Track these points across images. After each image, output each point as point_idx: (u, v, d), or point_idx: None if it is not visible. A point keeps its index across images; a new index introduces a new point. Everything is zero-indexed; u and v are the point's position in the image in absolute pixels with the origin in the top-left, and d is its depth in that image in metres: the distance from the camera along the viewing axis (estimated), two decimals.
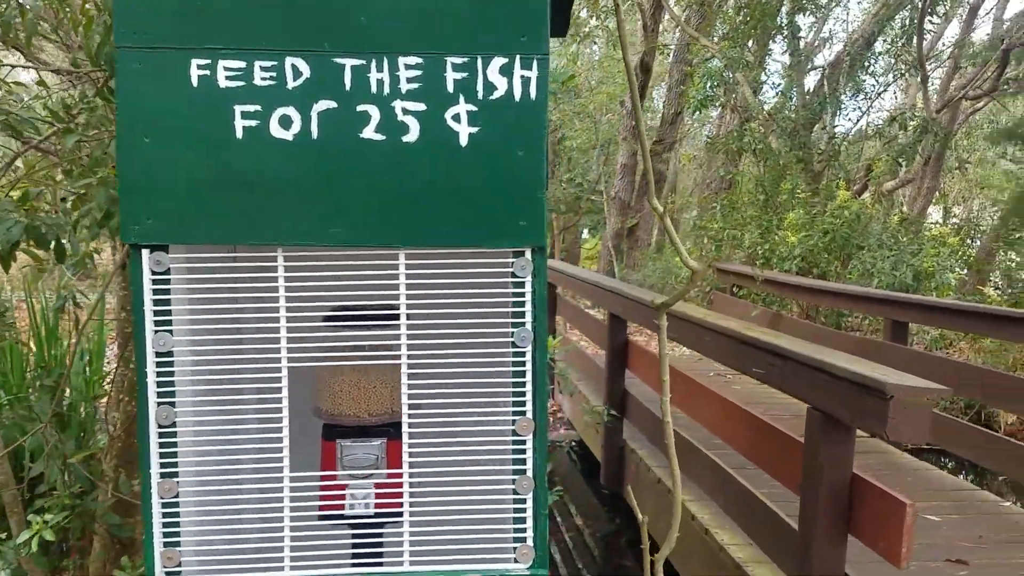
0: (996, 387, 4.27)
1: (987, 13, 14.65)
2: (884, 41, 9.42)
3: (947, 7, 9.28)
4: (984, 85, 11.61)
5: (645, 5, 12.30)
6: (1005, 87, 12.78)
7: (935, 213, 22.36)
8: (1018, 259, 7.77)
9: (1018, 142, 13.84)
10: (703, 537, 3.82)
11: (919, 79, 12.07)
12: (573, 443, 6.90)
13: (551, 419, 7.32)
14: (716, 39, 9.14)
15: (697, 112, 8.49)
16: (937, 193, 22.76)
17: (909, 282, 6.14)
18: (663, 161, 16.28)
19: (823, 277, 6.78)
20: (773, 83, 8.51)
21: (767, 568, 3.30)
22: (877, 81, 8.58)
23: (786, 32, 8.05)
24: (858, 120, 8.54)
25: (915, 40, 7.86)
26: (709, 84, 7.79)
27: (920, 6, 7.51)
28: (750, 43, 9.26)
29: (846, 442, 2.55)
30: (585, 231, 19.72)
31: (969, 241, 12.42)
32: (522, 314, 1.48)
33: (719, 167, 9.89)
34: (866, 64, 8.49)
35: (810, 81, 10.65)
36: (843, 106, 8.61)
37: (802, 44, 14.18)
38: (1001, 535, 3.73)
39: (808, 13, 8.99)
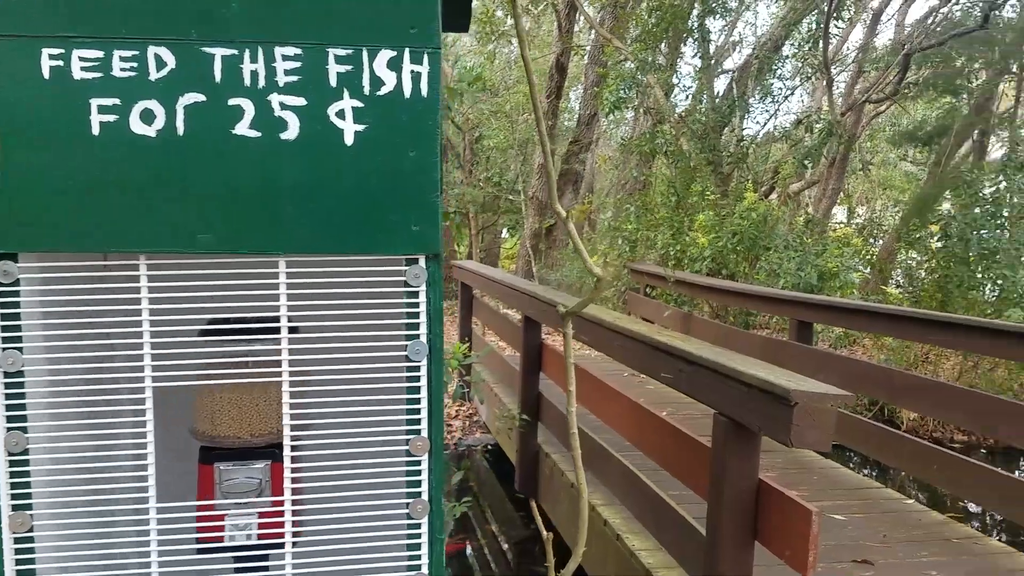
0: (897, 385, 4.38)
1: (889, 18, 15.25)
2: (791, 45, 9.66)
3: (852, 12, 9.56)
4: (886, 89, 12.06)
5: (560, 6, 12.33)
6: (906, 91, 13.33)
7: (840, 213, 23.21)
8: (918, 258, 8.07)
9: (917, 144, 14.44)
10: (615, 543, 3.79)
11: (825, 83, 12.48)
12: (489, 447, 6.83)
13: (467, 423, 7.23)
14: (629, 41, 9.21)
15: (610, 114, 8.53)
16: (842, 194, 23.68)
17: (814, 282, 6.29)
18: (580, 162, 16.39)
19: (732, 278, 6.89)
20: (684, 86, 8.60)
21: (676, 574, 3.28)
22: (784, 85, 8.77)
23: (696, 35, 8.15)
24: (765, 123, 8.69)
25: (820, 44, 8.05)
26: (621, 86, 7.83)
27: (826, 10, 7.70)
28: (662, 46, 9.38)
29: (752, 448, 2.53)
30: (505, 231, 19.68)
31: (872, 241, 12.91)
32: (416, 326, 1.38)
33: (632, 168, 9.99)
34: (774, 68, 8.67)
35: (721, 84, 10.87)
36: (751, 109, 8.78)
37: (712, 48, 14.50)
38: (904, 534, 3.81)
39: (718, 16, 9.14)
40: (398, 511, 1.42)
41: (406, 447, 1.40)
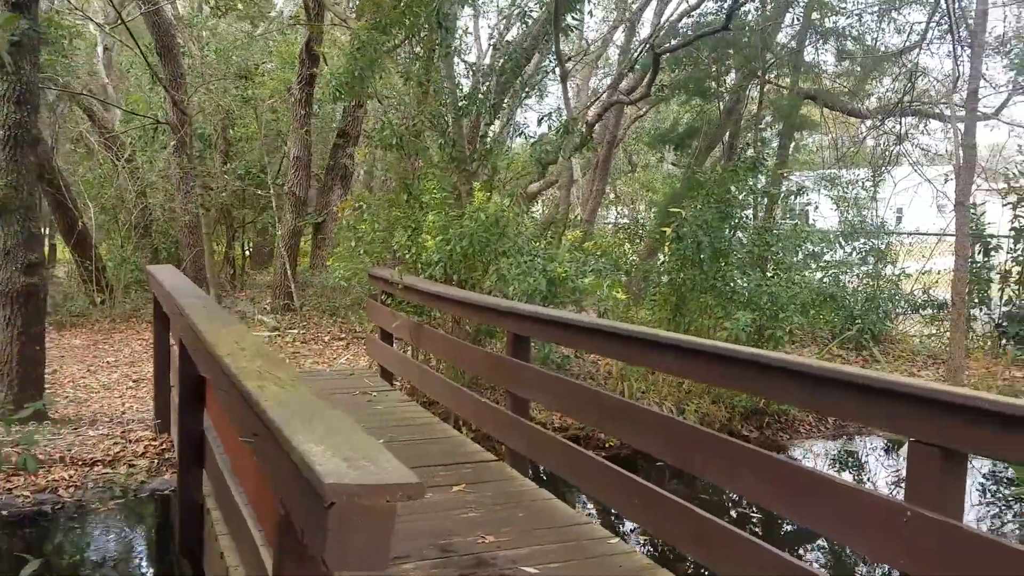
0: (605, 409, 3.91)
1: (647, 20, 15.51)
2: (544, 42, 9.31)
3: (590, 10, 9.29)
4: (641, 90, 12.12)
5: None
6: (659, 92, 13.55)
7: (612, 215, 23.80)
8: (662, 259, 7.95)
9: (669, 146, 14.82)
10: None
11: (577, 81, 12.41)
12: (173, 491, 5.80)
13: (157, 461, 6.14)
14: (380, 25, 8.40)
15: (335, 103, 7.70)
16: (613, 195, 24.30)
17: (543, 289, 5.84)
18: (348, 156, 15.44)
19: (462, 284, 6.31)
20: (431, 78, 7.92)
21: None
22: (526, 80, 8.36)
23: (439, 24, 7.50)
24: (507, 120, 8.23)
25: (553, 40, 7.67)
26: (355, 70, 7.03)
27: (554, 9, 7.32)
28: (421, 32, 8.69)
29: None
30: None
31: (639, 241, 13.01)
32: None
33: (376, 163, 9.24)
34: (517, 63, 8.22)
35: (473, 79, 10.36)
36: (502, 106, 8.29)
37: (473, 40, 14.03)
38: None
39: (464, 6, 8.55)
40: None
41: None
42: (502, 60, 7.69)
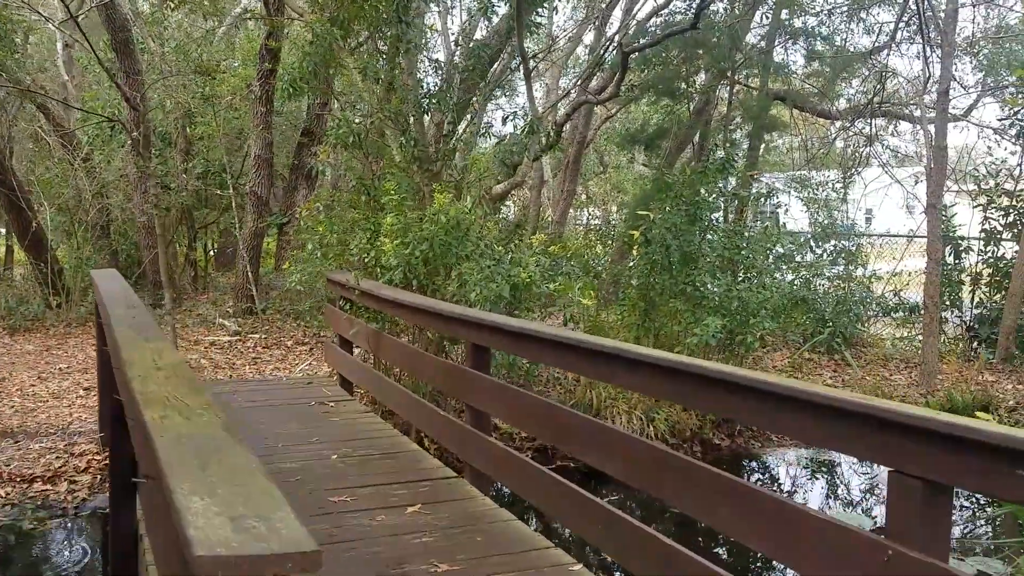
0: (561, 425, 3.68)
1: (615, 19, 15.29)
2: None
3: (549, 8, 9.04)
4: (609, 90, 11.93)
5: None
6: (630, 92, 13.38)
7: (584, 216, 23.64)
8: (631, 263, 7.74)
9: (638, 146, 14.64)
10: None
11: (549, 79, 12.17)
12: None
13: (100, 476, 5.82)
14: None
15: (289, 99, 7.39)
16: (584, 196, 24.14)
17: (506, 295, 5.59)
18: (312, 155, 15.07)
19: (422, 289, 6.05)
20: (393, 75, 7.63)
21: None
22: (491, 79, 8.10)
23: (399, 18, 7.23)
24: (472, 119, 7.96)
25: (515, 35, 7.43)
26: (309, 66, 6.74)
27: (515, 6, 7.07)
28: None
29: None
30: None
31: (610, 243, 12.81)
32: None
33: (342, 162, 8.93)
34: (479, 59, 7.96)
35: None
36: (469, 106, 8.04)
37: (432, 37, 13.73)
38: None
39: (428, 1, 8.29)
40: None
41: None
42: (467, 58, 7.43)
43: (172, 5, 11.27)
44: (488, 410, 4.36)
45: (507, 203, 20.59)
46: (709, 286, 6.63)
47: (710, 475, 2.76)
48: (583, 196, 22.85)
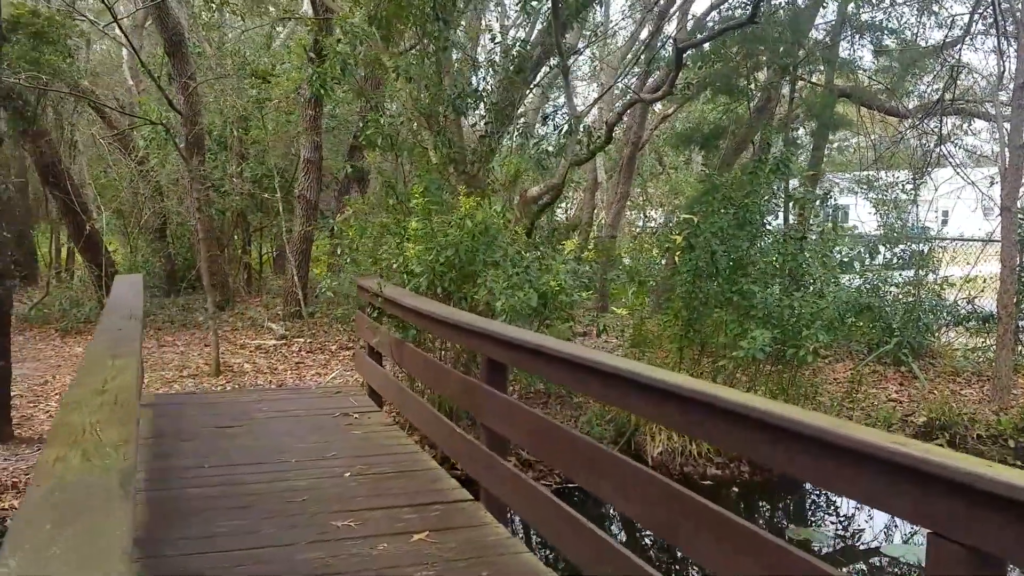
0: (580, 455, 3.33)
1: (673, 14, 14.78)
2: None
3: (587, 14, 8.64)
4: (663, 88, 11.45)
5: None
6: (686, 91, 12.87)
7: (643, 219, 23.04)
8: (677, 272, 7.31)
9: (694, 147, 14.11)
10: None
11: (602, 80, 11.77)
12: None
13: None
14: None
15: (325, 96, 7.14)
16: (642, 198, 23.55)
17: (533, 304, 5.26)
18: (364, 158, 14.96)
19: (448, 298, 5.77)
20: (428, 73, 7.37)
21: None
22: (531, 77, 7.78)
23: (436, 16, 6.97)
24: (511, 119, 7.63)
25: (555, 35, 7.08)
26: (337, 63, 6.53)
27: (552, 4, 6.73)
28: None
29: None
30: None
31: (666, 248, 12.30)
32: None
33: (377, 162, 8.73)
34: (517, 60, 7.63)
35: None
36: (514, 105, 7.73)
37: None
38: None
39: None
40: None
41: None
42: (505, 56, 7.13)
43: (213, 6, 11.21)
44: (502, 431, 4.04)
45: (560, 205, 20.28)
46: (758, 295, 6.16)
47: (734, 527, 2.37)
48: (640, 198, 22.32)
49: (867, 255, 7.34)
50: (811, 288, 6.64)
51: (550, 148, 7.04)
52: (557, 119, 7.26)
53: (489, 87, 7.30)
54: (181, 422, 5.89)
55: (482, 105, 7.06)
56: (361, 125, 14.05)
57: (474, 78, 7.38)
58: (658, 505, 2.76)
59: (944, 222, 16.17)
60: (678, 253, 6.53)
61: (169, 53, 12.56)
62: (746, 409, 2.23)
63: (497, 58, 7.15)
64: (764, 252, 6.76)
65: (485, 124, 7.39)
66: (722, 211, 6.51)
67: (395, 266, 6.00)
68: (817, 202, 6.91)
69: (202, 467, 4.88)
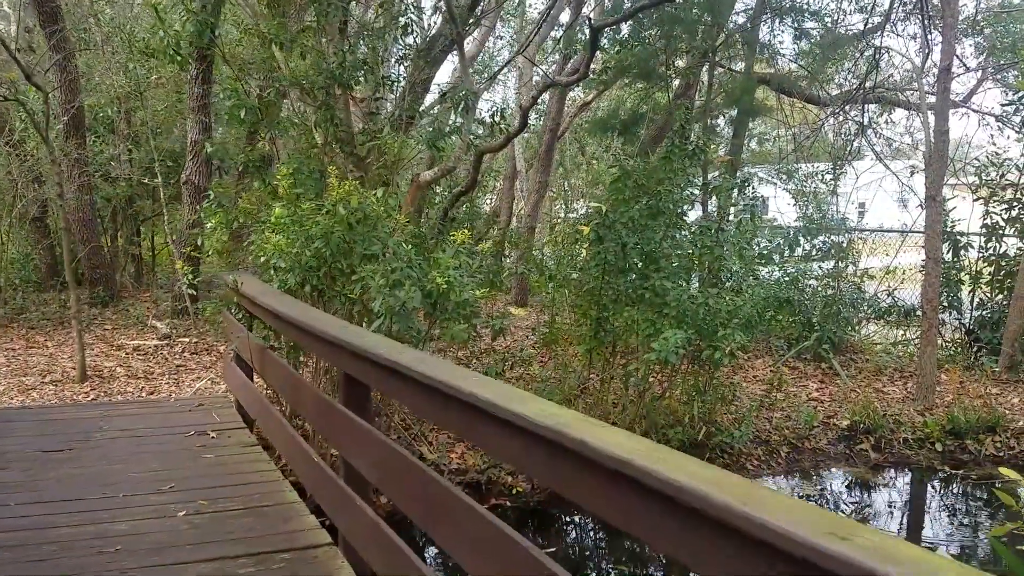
0: (432, 501, 2.61)
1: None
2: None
3: None
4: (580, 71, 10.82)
5: None
6: (602, 75, 12.29)
7: (569, 208, 22.42)
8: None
9: (610, 133, 13.54)
10: None
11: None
12: None
13: None
14: None
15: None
16: (564, 188, 22.95)
17: (415, 304, 4.52)
18: (266, 140, 13.91)
19: (320, 295, 4.98)
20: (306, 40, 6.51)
21: None
22: (424, 51, 7.01)
23: None
24: (419, 98, 6.84)
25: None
26: (184, 29, 5.65)
27: None
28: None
29: None
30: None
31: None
32: None
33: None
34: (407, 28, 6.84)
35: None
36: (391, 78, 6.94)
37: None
38: None
39: None
40: None
41: None
42: (392, 20, 6.32)
43: None
44: (358, 464, 3.30)
45: (481, 195, 19.51)
46: (671, 292, 5.56)
47: None
48: (563, 188, 21.76)
49: (787, 247, 6.82)
50: (728, 284, 6.07)
51: (445, 128, 6.26)
52: (458, 96, 6.43)
53: (378, 56, 6.50)
54: (2, 444, 4.97)
55: (368, 77, 6.25)
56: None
57: (363, 47, 6.53)
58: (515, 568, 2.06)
59: (861, 214, 16.02)
60: (586, 245, 5.87)
61: (42, 25, 11.38)
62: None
63: (385, 24, 6.35)
64: (679, 245, 6.17)
65: (374, 100, 6.60)
66: (634, 200, 5.88)
67: (262, 260, 5.17)
68: (735, 190, 6.34)
69: (7, 505, 4.01)
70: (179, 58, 5.90)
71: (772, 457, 6.62)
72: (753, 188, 7.04)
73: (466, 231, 4.97)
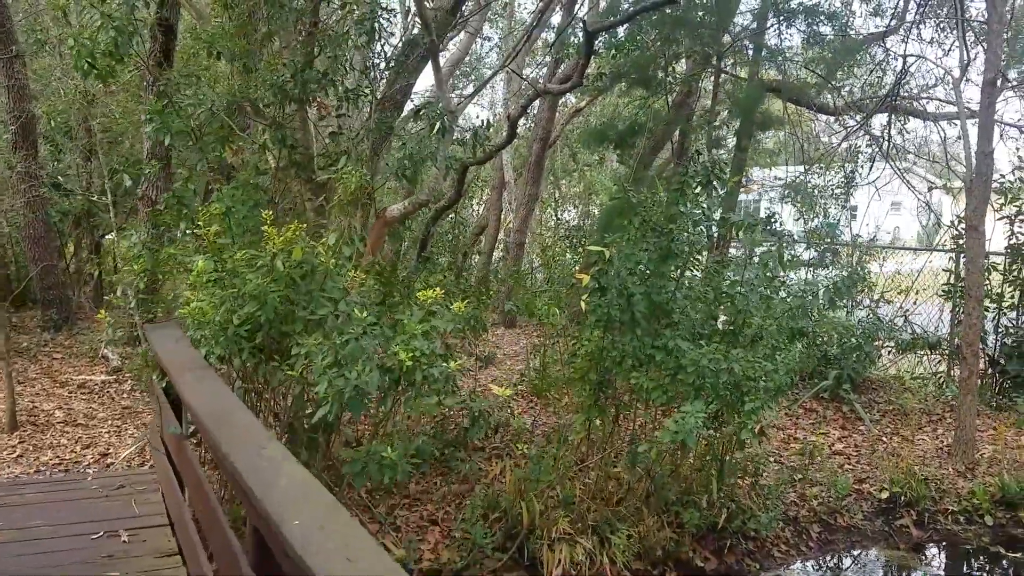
0: None
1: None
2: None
3: None
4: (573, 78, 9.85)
5: None
6: (597, 82, 11.32)
7: (563, 220, 21.41)
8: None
9: (606, 144, 12.58)
10: None
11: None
12: None
13: None
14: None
15: (90, 78, 5.23)
16: (556, 197, 21.95)
17: (374, 388, 3.53)
18: (233, 152, 12.91)
19: (255, 369, 3.99)
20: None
21: None
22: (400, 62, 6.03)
23: None
24: (371, 115, 5.85)
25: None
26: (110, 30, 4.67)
27: None
28: None
29: None
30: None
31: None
32: None
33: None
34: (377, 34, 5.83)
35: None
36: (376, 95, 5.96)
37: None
38: None
39: None
40: None
41: None
42: (356, 24, 5.32)
43: None
44: None
45: (467, 206, 18.47)
46: (689, 354, 4.57)
47: None
48: (555, 196, 20.78)
49: (825, 301, 5.87)
50: (753, 338, 5.09)
51: (416, 149, 5.24)
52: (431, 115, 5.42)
53: (343, 68, 5.50)
54: None
55: (329, 91, 5.25)
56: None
57: (324, 56, 5.53)
58: None
59: (852, 216, 15.07)
60: (584, 296, 4.89)
61: None
62: None
63: (351, 31, 5.36)
64: (694, 292, 5.18)
65: (337, 116, 5.61)
66: (642, 241, 4.91)
67: (188, 321, 4.16)
68: (758, 228, 5.36)
69: None
70: (95, 71, 4.89)
71: (801, 538, 5.65)
72: (781, 222, 6.09)
73: (438, 289, 3.97)
